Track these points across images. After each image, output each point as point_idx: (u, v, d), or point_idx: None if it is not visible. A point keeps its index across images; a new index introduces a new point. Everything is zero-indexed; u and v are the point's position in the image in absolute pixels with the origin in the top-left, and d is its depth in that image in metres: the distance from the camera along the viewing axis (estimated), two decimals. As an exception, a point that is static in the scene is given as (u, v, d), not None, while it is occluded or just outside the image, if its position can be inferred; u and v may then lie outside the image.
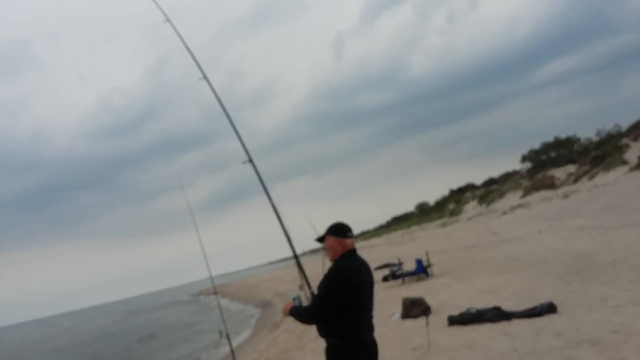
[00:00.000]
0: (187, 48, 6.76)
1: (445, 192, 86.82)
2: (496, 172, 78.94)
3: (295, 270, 5.91)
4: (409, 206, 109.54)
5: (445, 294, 13.25)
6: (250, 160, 5.76)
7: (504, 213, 44.91)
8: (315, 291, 4.22)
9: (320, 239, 4.40)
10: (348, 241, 4.23)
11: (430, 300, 11.87)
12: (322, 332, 4.10)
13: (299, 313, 4.20)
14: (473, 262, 19.37)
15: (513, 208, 45.21)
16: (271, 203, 5.36)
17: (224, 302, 48.90)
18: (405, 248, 39.82)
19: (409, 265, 20.01)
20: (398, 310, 11.90)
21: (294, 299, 4.49)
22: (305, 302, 4.52)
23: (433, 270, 18.63)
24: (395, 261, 22.66)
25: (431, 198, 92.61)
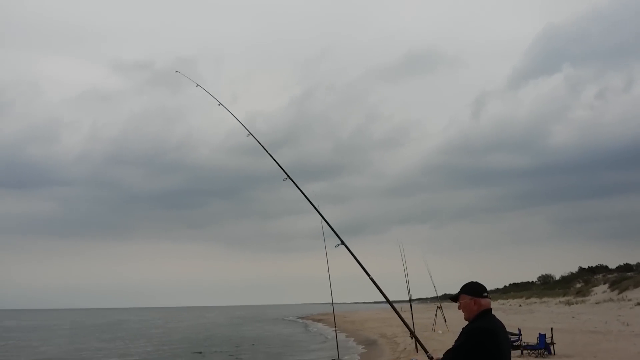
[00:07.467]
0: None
1: (572, 268, 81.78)
2: (633, 259, 73.05)
3: (403, 316, 6.07)
4: (531, 276, 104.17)
5: (569, 377, 12.69)
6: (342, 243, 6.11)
7: (638, 304, 41.58)
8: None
9: (454, 298, 4.38)
10: (484, 301, 4.17)
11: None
12: None
13: None
14: (600, 349, 18.26)
15: (649, 301, 41.72)
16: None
17: (328, 330, 49.36)
18: (522, 318, 38.03)
19: (528, 338, 19.22)
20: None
21: None
22: None
23: (556, 349, 17.80)
24: (513, 330, 21.84)
25: (556, 272, 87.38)
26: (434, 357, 4.37)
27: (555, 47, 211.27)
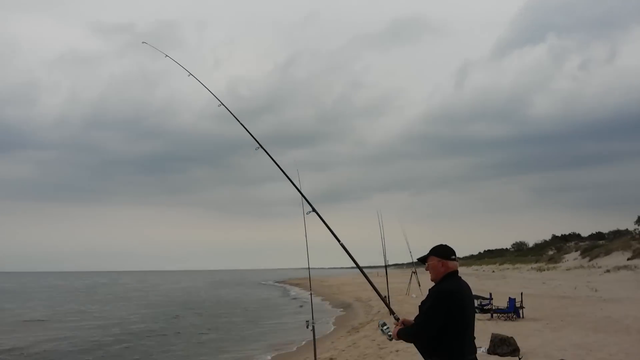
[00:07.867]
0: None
1: (546, 236, 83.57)
2: (605, 228, 74.78)
3: (379, 280, 6.21)
4: (505, 243, 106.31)
5: (536, 340, 13.12)
6: (314, 210, 6.02)
7: (607, 271, 42.75)
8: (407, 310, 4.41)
9: (423, 259, 4.50)
10: (451, 263, 4.26)
11: (519, 343, 11.82)
12: (426, 353, 4.17)
13: (404, 333, 4.33)
14: (567, 313, 18.84)
15: (618, 268, 42.84)
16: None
17: (304, 294, 50.04)
18: (495, 283, 38.93)
19: (499, 302, 19.74)
20: (484, 344, 11.88)
21: (381, 325, 4.62)
22: (392, 327, 4.55)
23: (525, 312, 18.35)
24: (484, 295, 22.39)
25: (530, 239, 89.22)
26: (400, 319, 4.53)
27: (540, 17, 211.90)
